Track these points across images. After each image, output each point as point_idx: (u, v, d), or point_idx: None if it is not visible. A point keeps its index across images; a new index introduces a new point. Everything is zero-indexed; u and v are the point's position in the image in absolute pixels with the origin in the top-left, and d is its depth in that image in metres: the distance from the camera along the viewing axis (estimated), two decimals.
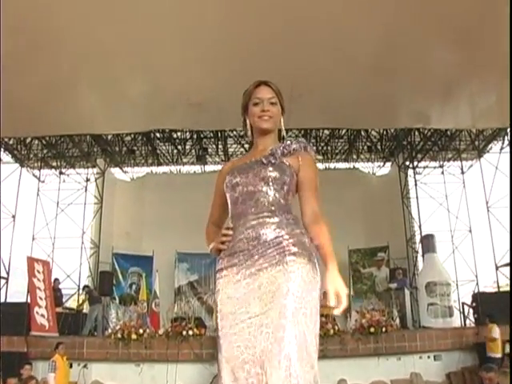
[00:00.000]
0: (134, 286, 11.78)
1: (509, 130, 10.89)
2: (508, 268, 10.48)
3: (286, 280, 1.48)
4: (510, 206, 9.78)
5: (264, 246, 1.56)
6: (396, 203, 12.42)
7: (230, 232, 1.63)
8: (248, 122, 1.79)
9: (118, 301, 11.31)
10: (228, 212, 1.76)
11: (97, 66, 6.47)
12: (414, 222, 12.37)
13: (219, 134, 12.77)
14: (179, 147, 13.42)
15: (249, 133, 1.80)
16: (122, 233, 12.33)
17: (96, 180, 12.60)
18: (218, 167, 14.00)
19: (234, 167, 1.73)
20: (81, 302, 10.50)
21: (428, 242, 10.75)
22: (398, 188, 12.51)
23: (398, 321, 8.28)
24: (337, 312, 1.44)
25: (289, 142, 1.75)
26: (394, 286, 9.92)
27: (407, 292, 9.56)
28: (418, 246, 11.83)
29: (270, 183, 1.65)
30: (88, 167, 12.95)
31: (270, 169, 1.65)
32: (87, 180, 12.78)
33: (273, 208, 1.62)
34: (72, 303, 11.31)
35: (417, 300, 10.18)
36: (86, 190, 12.53)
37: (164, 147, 13.61)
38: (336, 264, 1.56)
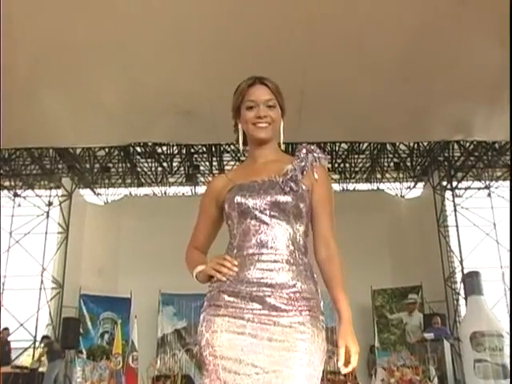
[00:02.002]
0: (106, 336, 11.66)
1: None
2: None
3: (303, 340, 1.54)
4: None
5: (280, 297, 1.58)
6: (430, 233, 12.40)
7: (236, 269, 1.63)
8: (240, 127, 1.78)
9: (85, 355, 11.13)
10: (213, 239, 1.80)
11: (62, 68, 6.56)
12: (453, 257, 12.33)
13: (213, 149, 12.88)
14: (164, 164, 13.52)
15: (241, 140, 1.78)
16: (93, 269, 12.28)
17: (61, 204, 12.63)
18: None
19: (240, 185, 1.69)
20: (37, 357, 10.30)
21: (472, 282, 10.65)
22: (433, 214, 12.53)
23: (436, 381, 8.15)
24: (344, 371, 1.51)
25: (303, 154, 1.76)
26: (429, 336, 9.72)
27: (447, 344, 9.35)
28: (460, 287, 11.75)
29: (291, 216, 1.66)
30: (51, 188, 12.99)
31: (290, 199, 1.67)
32: (49, 204, 12.74)
33: (292, 249, 1.64)
34: (25, 360, 11.11)
35: (460, 355, 10.01)
36: (47, 217, 12.52)
37: (146, 164, 13.71)
38: (350, 314, 1.59)
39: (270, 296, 1.57)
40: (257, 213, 1.64)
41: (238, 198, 1.66)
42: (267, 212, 1.64)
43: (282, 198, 1.65)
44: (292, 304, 1.57)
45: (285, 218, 1.65)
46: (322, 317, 1.64)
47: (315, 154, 1.75)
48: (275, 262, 1.61)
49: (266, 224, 1.64)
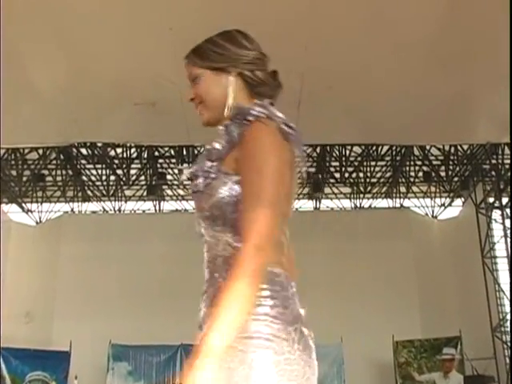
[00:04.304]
0: None
1: None
2: None
3: None
4: None
5: None
6: (472, 266, 12.44)
7: None
8: None
9: None
10: None
11: None
12: (504, 298, 12.37)
13: (184, 152, 12.87)
14: (119, 172, 13.48)
15: None
16: (18, 313, 12.13)
17: None
18: (183, 204, 14.05)
19: None
20: None
21: None
22: (476, 240, 12.56)
23: None
24: None
25: (223, 130, 1.69)
26: None
27: None
28: None
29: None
30: None
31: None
32: None
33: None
34: None
35: None
36: None
37: (94, 171, 13.66)
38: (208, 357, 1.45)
39: None
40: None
41: None
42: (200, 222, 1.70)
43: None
44: None
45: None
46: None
47: (241, 117, 1.66)
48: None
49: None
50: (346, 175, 13.57)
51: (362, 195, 14.08)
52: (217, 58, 1.78)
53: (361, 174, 13.75)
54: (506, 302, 12.20)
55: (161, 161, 13.26)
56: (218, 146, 1.66)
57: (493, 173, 12.88)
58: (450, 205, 14.32)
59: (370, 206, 14.28)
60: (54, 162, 13.25)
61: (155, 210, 14.05)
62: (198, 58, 1.80)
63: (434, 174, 13.50)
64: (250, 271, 1.46)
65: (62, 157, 13.06)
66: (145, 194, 13.87)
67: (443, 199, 14.29)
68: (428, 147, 12.84)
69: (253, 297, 1.49)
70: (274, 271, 1.58)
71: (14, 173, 12.99)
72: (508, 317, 12.07)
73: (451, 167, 13.36)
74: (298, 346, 1.55)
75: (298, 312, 1.61)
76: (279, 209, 1.54)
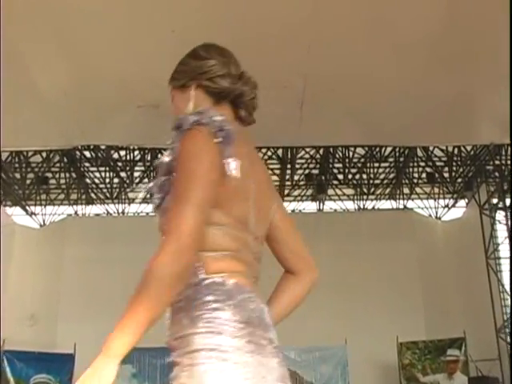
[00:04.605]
0: None
1: None
2: None
3: None
4: None
5: None
6: (476, 267, 12.42)
7: None
8: None
9: None
10: None
11: None
12: (508, 299, 12.33)
13: None
14: (123, 174, 13.49)
15: None
16: (22, 315, 12.15)
17: None
18: None
19: None
20: None
21: None
22: (480, 242, 12.52)
23: None
24: None
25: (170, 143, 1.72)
26: None
27: None
28: None
29: None
30: None
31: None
32: None
33: None
34: None
35: None
36: None
37: (98, 174, 13.67)
38: (107, 357, 1.55)
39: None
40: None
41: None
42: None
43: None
44: None
45: None
46: None
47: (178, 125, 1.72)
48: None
49: None
50: (350, 177, 13.57)
51: (365, 196, 14.09)
52: (179, 76, 1.89)
53: (364, 176, 13.75)
54: (510, 302, 12.16)
55: None
56: (166, 159, 1.69)
57: (496, 174, 12.86)
58: (453, 206, 14.32)
59: (373, 208, 14.28)
60: (58, 164, 13.28)
61: None
62: (170, 81, 1.92)
63: (437, 175, 13.50)
64: (161, 275, 1.46)
65: (65, 160, 13.08)
66: (148, 196, 13.84)
67: (447, 200, 14.29)
68: (431, 148, 12.84)
69: (161, 301, 1.48)
70: (216, 281, 1.58)
71: (17, 176, 13.01)
72: None
73: (455, 168, 13.34)
74: (247, 349, 1.54)
75: (249, 316, 1.59)
76: (203, 211, 1.53)
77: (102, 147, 12.31)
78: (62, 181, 13.63)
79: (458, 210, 14.22)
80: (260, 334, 1.60)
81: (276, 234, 1.87)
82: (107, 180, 13.70)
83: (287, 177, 13.81)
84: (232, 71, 1.82)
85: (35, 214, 14.09)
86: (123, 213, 14.05)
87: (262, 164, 1.90)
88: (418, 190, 14.18)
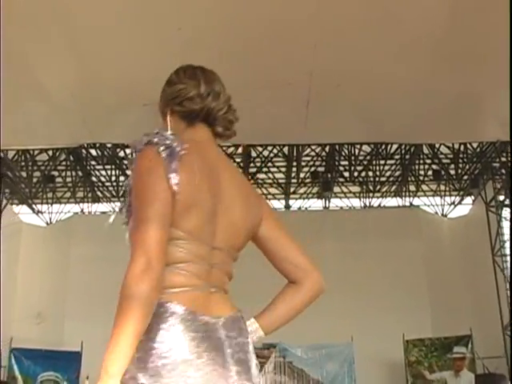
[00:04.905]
0: None
1: None
2: None
3: None
4: None
5: None
6: (483, 264, 12.40)
7: None
8: None
9: None
10: None
11: None
12: None
13: None
14: (128, 172, 13.47)
15: None
16: (30, 313, 12.17)
17: None
18: None
19: None
20: None
21: None
22: (486, 239, 12.50)
23: None
24: None
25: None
26: None
27: None
28: None
29: None
30: None
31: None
32: None
33: None
34: None
35: None
36: None
37: (104, 172, 13.70)
38: (107, 378, 1.54)
39: None
40: None
41: None
42: None
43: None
44: None
45: None
46: None
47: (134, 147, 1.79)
48: None
49: None
50: (356, 174, 13.55)
51: (371, 194, 14.07)
52: (160, 104, 2.02)
53: (370, 173, 13.74)
54: None
55: None
56: (129, 180, 1.78)
57: (503, 171, 12.83)
58: (459, 203, 14.29)
59: (379, 205, 14.27)
60: (64, 163, 13.31)
61: None
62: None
63: (443, 173, 13.46)
64: (137, 290, 1.55)
65: (71, 158, 13.13)
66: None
67: (453, 197, 14.26)
68: (437, 145, 12.81)
69: (143, 313, 1.54)
70: (157, 302, 1.61)
71: (24, 174, 13.04)
72: None
73: (461, 165, 13.31)
74: (164, 379, 1.56)
75: (172, 343, 1.60)
76: (162, 224, 1.60)
77: (108, 145, 12.36)
78: (69, 179, 13.65)
79: (464, 208, 14.19)
80: (177, 357, 1.61)
81: (269, 246, 1.91)
82: (113, 178, 13.73)
83: (293, 174, 13.81)
84: (201, 91, 1.87)
85: (42, 213, 14.12)
86: None
87: (236, 177, 1.90)
88: (424, 187, 14.16)
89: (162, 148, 1.68)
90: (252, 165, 13.51)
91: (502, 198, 12.95)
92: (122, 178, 13.65)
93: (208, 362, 1.60)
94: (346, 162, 13.42)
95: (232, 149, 12.73)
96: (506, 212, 12.84)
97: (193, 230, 1.69)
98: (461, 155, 13.16)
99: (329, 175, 13.73)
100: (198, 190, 1.69)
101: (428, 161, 13.50)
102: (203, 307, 1.67)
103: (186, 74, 1.93)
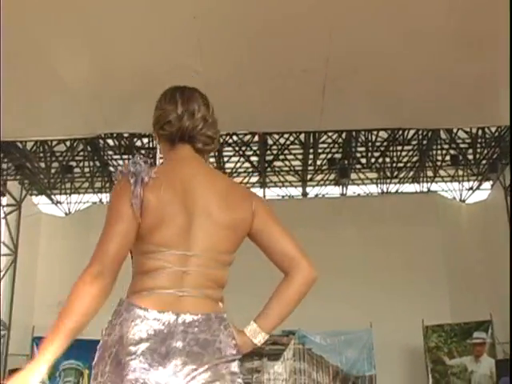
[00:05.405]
0: None
1: None
2: None
3: None
4: None
5: None
6: (502, 249, 12.31)
7: None
8: None
9: None
10: None
11: (7, 37, 6.59)
12: None
13: None
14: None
15: None
16: (51, 303, 12.12)
17: (6, 216, 12.70)
18: None
19: None
20: None
21: None
22: (506, 223, 12.46)
23: None
24: None
25: None
26: None
27: None
28: None
29: None
30: None
31: None
32: None
33: None
34: None
35: None
36: None
37: (121, 162, 13.72)
38: (39, 363, 1.88)
39: None
40: None
41: None
42: None
43: None
44: None
45: None
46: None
47: None
48: None
49: None
50: (373, 160, 13.48)
51: (388, 180, 14.02)
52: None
53: (387, 159, 13.67)
54: None
55: None
56: None
57: None
58: (478, 188, 14.19)
59: (396, 191, 14.21)
60: (82, 153, 13.38)
61: None
62: None
63: (461, 158, 13.35)
64: (82, 292, 1.89)
65: (89, 148, 13.18)
66: None
67: (471, 183, 14.17)
68: (455, 130, 12.70)
69: (81, 314, 1.92)
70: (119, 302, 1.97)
71: (42, 165, 13.14)
72: None
73: (479, 150, 13.18)
74: (109, 367, 1.90)
75: (119, 337, 1.92)
76: (118, 240, 1.95)
77: (125, 135, 12.39)
78: (86, 169, 13.72)
79: (483, 193, 14.09)
80: (128, 349, 1.89)
81: (261, 240, 2.01)
82: None
83: (310, 162, 13.78)
84: (178, 113, 2.05)
85: (60, 203, 14.24)
86: None
87: (215, 184, 2.02)
88: (441, 172, 14.07)
89: (130, 176, 1.93)
90: (269, 152, 13.49)
91: None
92: None
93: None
94: (363, 149, 13.35)
95: (248, 137, 12.74)
96: None
97: (164, 243, 1.89)
98: (479, 140, 13.03)
99: (346, 162, 13.68)
100: (169, 206, 1.89)
101: (445, 146, 13.39)
102: (168, 307, 1.87)
103: (166, 99, 2.14)
